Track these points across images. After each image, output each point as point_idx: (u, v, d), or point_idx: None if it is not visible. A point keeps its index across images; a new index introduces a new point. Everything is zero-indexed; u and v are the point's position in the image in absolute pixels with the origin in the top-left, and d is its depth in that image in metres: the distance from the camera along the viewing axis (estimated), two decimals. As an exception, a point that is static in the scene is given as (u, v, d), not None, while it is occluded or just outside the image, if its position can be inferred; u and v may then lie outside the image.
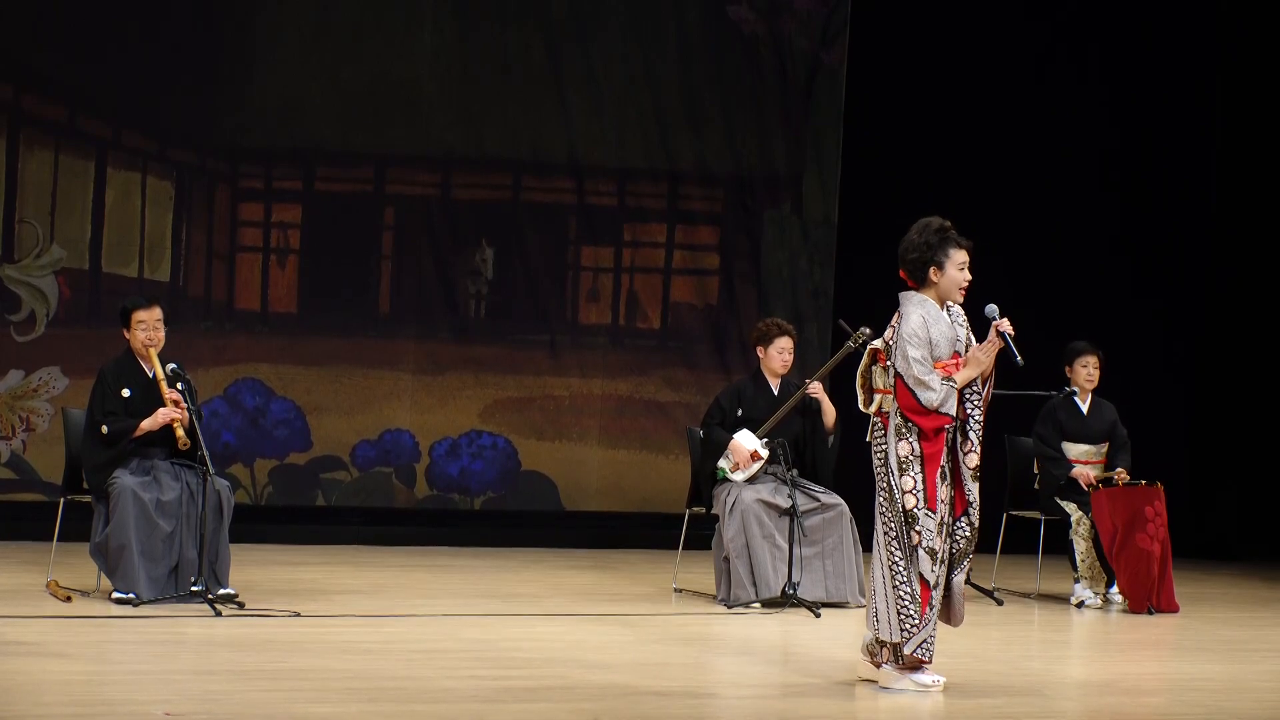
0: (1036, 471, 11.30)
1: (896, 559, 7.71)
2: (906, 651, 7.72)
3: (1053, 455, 11.16)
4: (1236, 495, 14.36)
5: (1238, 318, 14.39)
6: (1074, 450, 11.22)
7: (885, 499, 7.75)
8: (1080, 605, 10.97)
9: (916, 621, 7.69)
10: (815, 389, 10.58)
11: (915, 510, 7.69)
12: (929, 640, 7.74)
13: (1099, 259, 14.27)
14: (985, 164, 13.91)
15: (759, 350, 10.77)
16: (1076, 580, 11.06)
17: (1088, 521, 10.94)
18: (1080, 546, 10.99)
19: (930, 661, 7.78)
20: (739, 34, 13.84)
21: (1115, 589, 10.92)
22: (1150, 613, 10.70)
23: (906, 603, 7.69)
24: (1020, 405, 11.47)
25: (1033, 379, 11.38)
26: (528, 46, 13.47)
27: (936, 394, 7.68)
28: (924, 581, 7.70)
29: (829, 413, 10.61)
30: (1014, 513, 11.48)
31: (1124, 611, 10.78)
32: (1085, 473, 11.11)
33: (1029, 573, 11.64)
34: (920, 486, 7.70)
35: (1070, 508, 11.06)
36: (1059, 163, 14.19)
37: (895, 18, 13.92)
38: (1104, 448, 11.27)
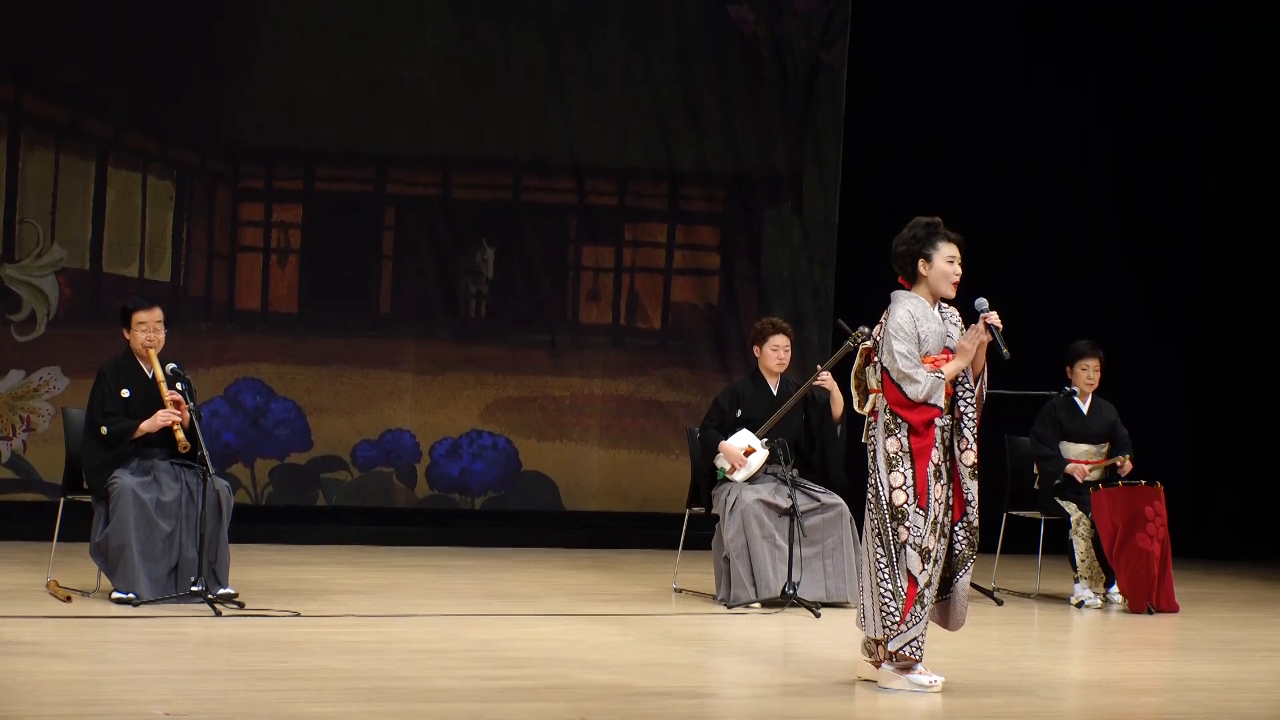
0: (1036, 471, 11.31)
1: (879, 556, 7.71)
2: (891, 649, 7.72)
3: (1048, 454, 11.16)
4: (1236, 495, 14.36)
5: (1238, 318, 14.39)
6: (1074, 450, 11.22)
7: (872, 495, 7.76)
8: (1080, 605, 10.97)
9: (898, 619, 7.68)
10: (825, 379, 10.54)
11: (905, 506, 7.68)
12: (919, 639, 7.72)
13: (1099, 258, 14.28)
14: (985, 164, 13.92)
15: (755, 349, 10.78)
16: (1076, 580, 11.06)
17: (1087, 521, 10.94)
18: (1080, 546, 11.00)
19: (920, 660, 7.76)
20: (739, 34, 13.84)
21: (1115, 589, 10.93)
22: (1150, 612, 10.70)
23: (888, 599, 7.69)
24: (1020, 405, 11.48)
25: (1033, 379, 11.40)
26: (528, 46, 13.48)
27: (921, 386, 7.68)
28: (911, 578, 7.68)
29: (838, 403, 10.56)
30: (1014, 512, 11.49)
31: (1124, 611, 10.79)
32: (1080, 466, 11.12)
33: (1029, 572, 11.64)
34: (910, 482, 7.69)
35: (1070, 507, 11.07)
36: (1059, 162, 14.20)
37: (895, 18, 13.93)
38: (1104, 448, 11.28)
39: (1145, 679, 8.73)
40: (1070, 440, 11.23)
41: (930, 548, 7.69)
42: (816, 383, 10.53)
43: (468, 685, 7.67)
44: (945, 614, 7.89)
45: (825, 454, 10.66)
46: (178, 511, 9.46)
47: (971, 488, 7.81)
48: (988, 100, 14.03)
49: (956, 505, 7.80)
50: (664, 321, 13.78)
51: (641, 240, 13.79)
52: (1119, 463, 11.05)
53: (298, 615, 9.30)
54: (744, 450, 10.45)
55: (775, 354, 10.71)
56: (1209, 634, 10.23)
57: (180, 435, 9.53)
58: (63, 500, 10.03)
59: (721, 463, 10.52)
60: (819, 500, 10.47)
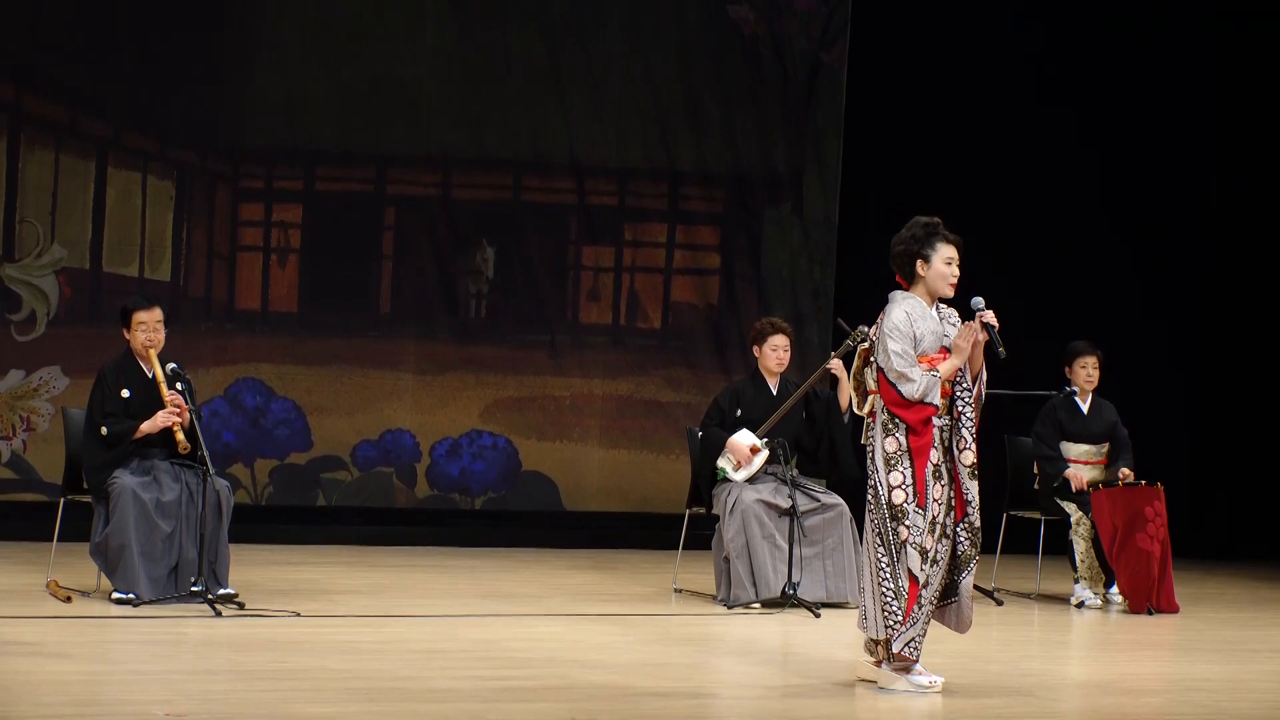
0: (1036, 472, 11.30)
1: (880, 556, 7.70)
2: (895, 649, 7.72)
3: (1049, 455, 11.16)
4: (1236, 495, 14.36)
5: (1238, 318, 14.39)
6: (1074, 450, 11.22)
7: (871, 496, 7.75)
8: (1080, 605, 10.97)
9: (901, 618, 7.68)
10: (835, 365, 10.51)
11: (905, 505, 7.67)
12: (917, 639, 7.72)
13: (1099, 258, 14.28)
14: (985, 164, 13.92)
15: (755, 349, 10.78)
16: (1076, 580, 11.06)
17: (1088, 521, 10.94)
18: (1080, 546, 11.00)
19: (917, 660, 7.76)
20: (739, 34, 13.84)
21: (1115, 589, 10.93)
22: (1150, 613, 10.70)
23: (890, 599, 7.69)
24: (1020, 405, 11.48)
25: (1033, 379, 11.41)
26: (528, 46, 13.48)
27: (917, 384, 7.67)
28: (912, 578, 7.68)
29: (844, 392, 10.52)
30: (1014, 513, 11.49)
31: (1124, 612, 10.79)
32: (1078, 475, 11.11)
33: (1029, 573, 11.64)
34: (910, 481, 7.68)
35: (1070, 508, 11.07)
36: (1059, 162, 14.20)
37: (895, 18, 13.93)
38: (1104, 448, 11.28)
39: (1145, 679, 8.73)
40: (1070, 440, 11.23)
41: (929, 547, 7.69)
42: (829, 366, 10.54)
43: (468, 685, 7.67)
44: (955, 617, 7.87)
45: (835, 444, 10.65)
46: (178, 511, 9.46)
47: (971, 488, 7.80)
48: (987, 100, 14.03)
49: (958, 506, 7.79)
50: (664, 321, 13.78)
51: (641, 240, 13.79)
52: (1121, 475, 11.03)
53: (298, 615, 9.30)
54: (750, 447, 10.46)
55: (775, 354, 10.71)
56: (1209, 634, 10.23)
57: (180, 436, 9.53)
58: (63, 500, 10.03)
59: (723, 463, 10.52)
60: (819, 500, 10.48)
